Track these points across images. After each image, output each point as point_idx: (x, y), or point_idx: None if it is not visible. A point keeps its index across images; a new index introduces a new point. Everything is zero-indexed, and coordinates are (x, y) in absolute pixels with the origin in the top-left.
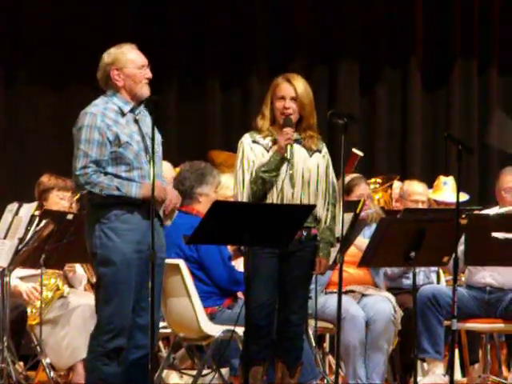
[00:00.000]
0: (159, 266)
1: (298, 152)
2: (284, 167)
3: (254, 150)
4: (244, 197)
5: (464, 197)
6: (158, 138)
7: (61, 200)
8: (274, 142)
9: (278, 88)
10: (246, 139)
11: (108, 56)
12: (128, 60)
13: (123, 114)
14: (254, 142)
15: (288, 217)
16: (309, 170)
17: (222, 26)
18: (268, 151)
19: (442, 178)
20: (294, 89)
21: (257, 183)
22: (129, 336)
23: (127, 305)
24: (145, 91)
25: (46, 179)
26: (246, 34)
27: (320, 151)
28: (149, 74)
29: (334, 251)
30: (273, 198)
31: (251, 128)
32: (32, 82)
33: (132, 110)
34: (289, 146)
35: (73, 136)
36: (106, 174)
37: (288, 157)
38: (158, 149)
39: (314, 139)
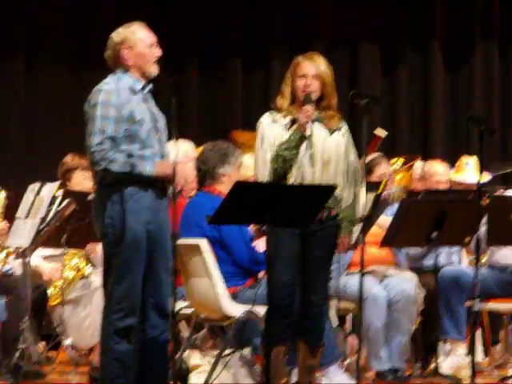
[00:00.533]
0: (168, 245)
1: (318, 131)
2: (304, 146)
3: (272, 130)
4: (265, 176)
5: (486, 177)
6: (164, 119)
7: (84, 180)
8: (293, 121)
9: (299, 66)
10: (265, 119)
11: (117, 35)
12: (138, 39)
13: (134, 93)
14: (273, 121)
15: (310, 197)
16: (329, 150)
17: (242, 7)
18: (288, 130)
19: (464, 159)
20: (315, 67)
21: (278, 161)
22: (143, 317)
23: (138, 284)
24: (154, 70)
25: (69, 159)
26: (267, 15)
27: (340, 130)
28: (158, 52)
29: (356, 231)
30: (293, 177)
31: (272, 109)
32: (53, 64)
33: (142, 89)
34: (309, 123)
35: (85, 113)
36: (120, 151)
37: (308, 134)
38: (165, 128)
39: (334, 118)
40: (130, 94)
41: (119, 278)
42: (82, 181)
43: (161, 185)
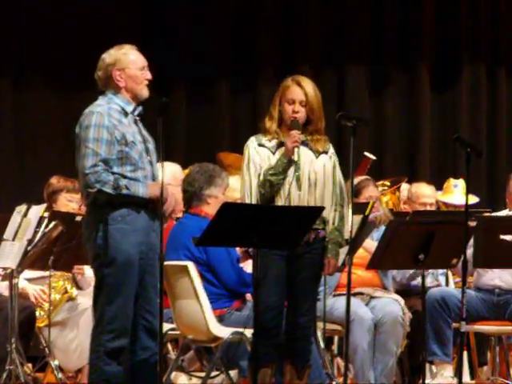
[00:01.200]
0: (156, 267)
1: (305, 154)
2: (291, 170)
3: (259, 153)
4: (252, 201)
5: (474, 199)
6: (153, 141)
7: (69, 202)
8: (280, 144)
9: (288, 91)
10: (252, 142)
11: (109, 56)
12: (130, 61)
13: (126, 114)
14: (260, 145)
15: (297, 219)
16: (315, 172)
17: (229, 29)
18: (274, 154)
19: (451, 181)
20: (304, 93)
21: (265, 186)
22: (134, 338)
23: (129, 305)
24: (145, 92)
25: (55, 181)
26: (253, 37)
27: (327, 152)
28: (149, 76)
29: (342, 253)
30: (280, 200)
31: (259, 130)
32: (41, 85)
33: (133, 111)
34: (296, 149)
35: (76, 136)
36: (112, 173)
37: (295, 159)
38: (154, 152)
39: (320, 141)
40: (122, 116)
41: (110, 298)
42: (68, 203)
43: (152, 206)
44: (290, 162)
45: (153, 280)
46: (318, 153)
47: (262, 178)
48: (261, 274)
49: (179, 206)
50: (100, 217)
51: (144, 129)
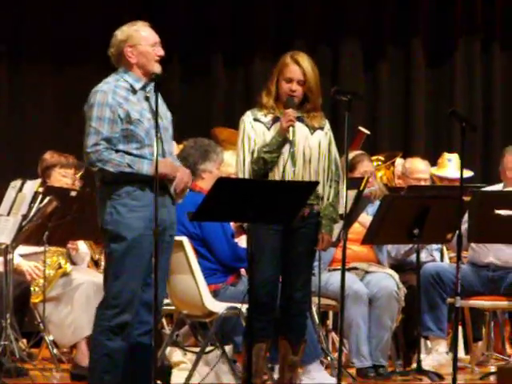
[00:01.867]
0: (168, 243)
1: (300, 130)
2: (286, 146)
3: (254, 128)
4: (245, 176)
5: (468, 173)
6: (169, 116)
7: (63, 177)
8: (276, 119)
9: (287, 69)
10: (248, 117)
11: (121, 33)
12: (142, 37)
13: (134, 92)
14: (255, 119)
15: (291, 193)
16: (310, 148)
17: (226, 3)
18: (269, 129)
19: (446, 155)
20: (302, 72)
21: (258, 163)
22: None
23: (136, 281)
24: (157, 68)
25: (48, 156)
26: (250, 12)
27: (322, 128)
28: (161, 52)
29: (337, 228)
30: (274, 176)
31: (254, 105)
32: (35, 61)
33: (143, 88)
34: (291, 128)
35: (83, 114)
36: (117, 151)
37: (290, 138)
38: (169, 127)
39: (317, 118)
40: (129, 93)
41: (116, 273)
42: (62, 178)
43: (160, 183)
44: (285, 141)
45: (161, 256)
46: (313, 129)
47: (256, 155)
48: (255, 248)
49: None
50: (107, 193)
51: (162, 104)
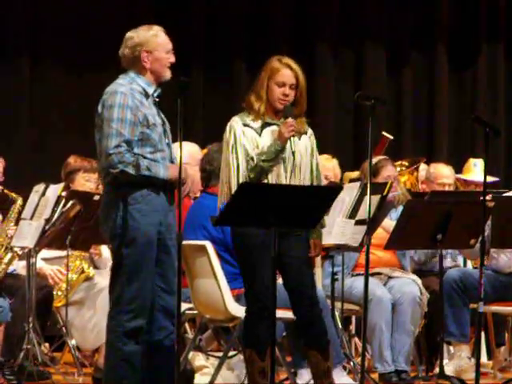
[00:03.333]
0: (174, 246)
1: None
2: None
3: (245, 134)
4: (238, 181)
5: (493, 179)
6: (167, 122)
7: (87, 182)
8: (265, 125)
9: (279, 73)
10: (237, 123)
11: (138, 36)
12: (158, 43)
13: (147, 96)
14: (245, 125)
15: (314, 198)
16: (300, 153)
17: (245, 8)
18: (260, 135)
19: (471, 160)
20: (295, 76)
21: (255, 171)
22: (150, 318)
23: (149, 285)
24: (168, 74)
25: (72, 160)
26: (270, 16)
27: (306, 133)
28: (172, 59)
29: (360, 233)
30: (268, 182)
31: (244, 107)
32: (56, 66)
33: (153, 93)
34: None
35: (98, 114)
36: (134, 154)
37: (292, 147)
38: (170, 133)
39: (302, 123)
40: (143, 97)
41: (130, 279)
42: (85, 182)
43: (171, 187)
44: (283, 150)
45: (170, 259)
46: (299, 134)
47: (253, 163)
48: (249, 251)
49: (197, 186)
50: (120, 196)
51: (160, 111)
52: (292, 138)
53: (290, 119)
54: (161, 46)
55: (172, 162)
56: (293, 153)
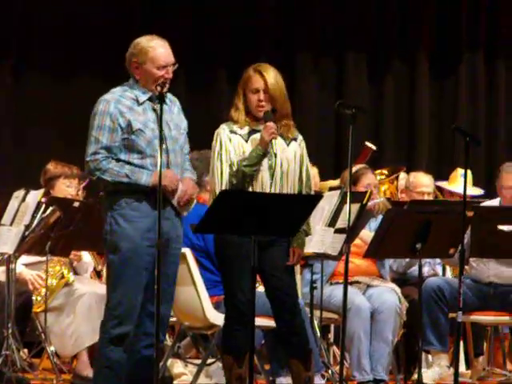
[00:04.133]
0: (173, 255)
1: (277, 142)
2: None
3: (231, 141)
4: (222, 188)
5: (479, 191)
6: (183, 126)
7: (67, 188)
8: (252, 131)
9: (251, 81)
10: (223, 130)
11: (135, 46)
12: (150, 58)
13: (139, 103)
14: (232, 131)
15: (295, 206)
16: (287, 160)
17: (229, 17)
18: (246, 141)
19: (459, 170)
20: (265, 81)
21: (237, 177)
22: (138, 323)
23: (135, 292)
24: (157, 89)
25: (52, 167)
26: (253, 25)
27: (296, 139)
28: (168, 75)
29: (339, 242)
30: (254, 189)
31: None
32: (39, 72)
33: (150, 99)
34: (273, 141)
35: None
36: (118, 160)
37: (274, 151)
38: (180, 137)
39: (289, 127)
40: (135, 104)
41: (114, 284)
42: (66, 188)
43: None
44: (265, 154)
45: (166, 268)
46: (288, 140)
47: (234, 168)
48: (236, 262)
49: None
50: (108, 204)
51: (178, 113)
52: (279, 145)
53: (270, 123)
54: (152, 60)
55: (169, 167)
56: (279, 159)
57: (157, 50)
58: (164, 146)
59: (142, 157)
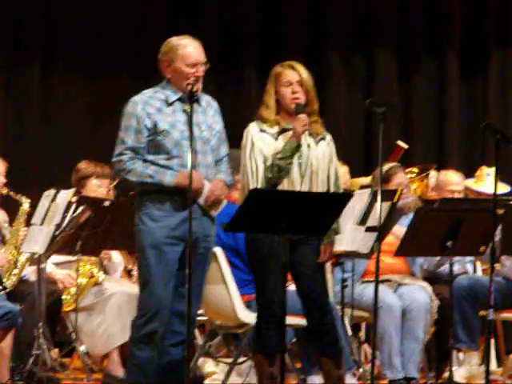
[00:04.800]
0: (202, 255)
1: (305, 140)
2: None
3: (262, 139)
4: (259, 185)
5: (506, 188)
6: (217, 128)
7: (99, 187)
8: (282, 130)
9: (282, 75)
10: (254, 128)
11: (166, 45)
12: (179, 55)
13: (169, 103)
14: (262, 130)
15: (325, 205)
16: (317, 159)
17: (256, 16)
18: (276, 139)
19: (484, 169)
20: (298, 74)
21: (273, 171)
22: (167, 322)
23: (161, 289)
24: (190, 88)
25: (84, 166)
26: (280, 24)
27: (324, 138)
28: (199, 73)
29: (371, 240)
30: (284, 188)
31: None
32: (68, 71)
33: (181, 100)
34: (302, 138)
35: None
36: (145, 161)
37: (303, 150)
38: (212, 138)
39: (318, 125)
40: (164, 105)
41: (143, 283)
42: (97, 188)
43: (183, 195)
44: (298, 146)
45: (197, 267)
46: (317, 139)
47: (269, 162)
48: (261, 259)
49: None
50: (138, 204)
51: (214, 115)
52: (308, 143)
53: (302, 115)
54: (181, 58)
55: (195, 168)
56: (308, 158)
57: (187, 47)
58: (192, 147)
59: (169, 157)
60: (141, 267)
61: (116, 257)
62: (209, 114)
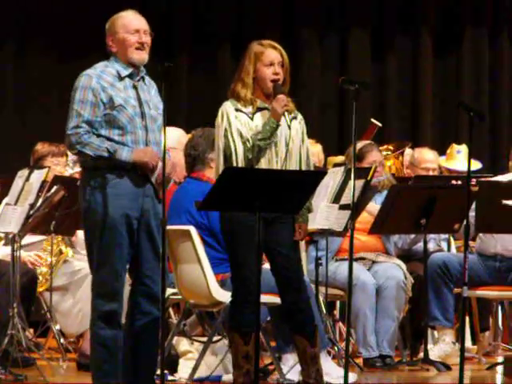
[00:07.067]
0: (152, 233)
1: (284, 120)
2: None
3: (238, 119)
4: (239, 165)
5: (477, 165)
6: (161, 106)
7: (56, 166)
8: (258, 109)
9: (265, 55)
10: (229, 107)
11: (108, 23)
12: (120, 25)
13: (121, 78)
14: (237, 109)
15: (300, 183)
16: (291, 138)
17: None
18: (252, 119)
19: (455, 147)
20: (280, 54)
21: (253, 151)
22: (133, 303)
23: (118, 269)
24: (135, 56)
25: (40, 147)
26: (254, 1)
27: (296, 118)
28: (143, 39)
29: (344, 218)
30: (260, 166)
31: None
32: (41, 54)
33: (131, 76)
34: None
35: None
36: (98, 135)
37: (289, 123)
38: (159, 117)
39: (291, 104)
40: (116, 80)
41: (99, 263)
42: (54, 167)
43: (141, 171)
44: (277, 127)
45: (151, 245)
46: (290, 118)
47: (250, 143)
48: (242, 238)
49: (181, 172)
50: (86, 180)
51: (155, 95)
52: (284, 122)
53: (281, 95)
54: (122, 27)
55: (147, 145)
56: (283, 137)
57: (125, 17)
58: (143, 123)
59: (123, 133)
60: (93, 246)
61: (82, 233)
62: (151, 93)
